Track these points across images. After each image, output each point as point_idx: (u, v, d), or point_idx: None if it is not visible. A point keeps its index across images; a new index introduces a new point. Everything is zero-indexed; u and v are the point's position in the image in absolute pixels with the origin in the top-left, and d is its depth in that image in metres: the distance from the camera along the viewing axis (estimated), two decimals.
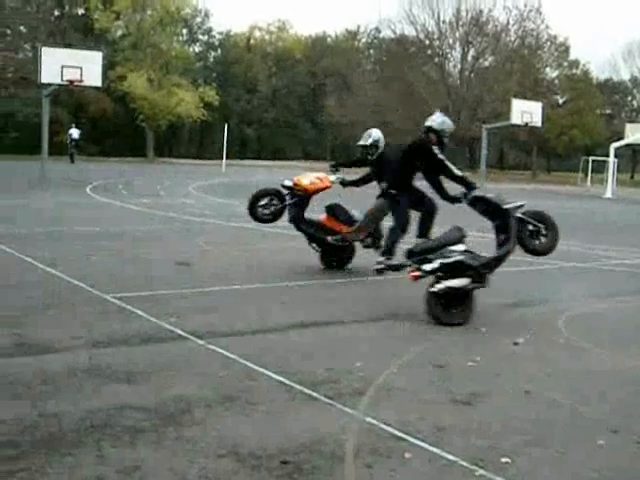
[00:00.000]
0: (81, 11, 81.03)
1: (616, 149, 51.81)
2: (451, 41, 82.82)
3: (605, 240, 19.31)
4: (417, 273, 9.10)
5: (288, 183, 12.55)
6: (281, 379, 6.49)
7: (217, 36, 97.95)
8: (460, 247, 9.22)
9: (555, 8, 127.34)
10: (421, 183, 11.08)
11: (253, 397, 5.99)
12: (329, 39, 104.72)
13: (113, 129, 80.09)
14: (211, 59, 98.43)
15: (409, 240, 11.07)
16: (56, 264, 11.66)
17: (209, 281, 11.00)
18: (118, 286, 10.24)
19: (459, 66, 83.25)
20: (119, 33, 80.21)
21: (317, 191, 12.48)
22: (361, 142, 12.65)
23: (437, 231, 10.62)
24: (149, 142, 77.25)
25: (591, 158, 66.93)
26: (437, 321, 8.92)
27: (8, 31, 70.57)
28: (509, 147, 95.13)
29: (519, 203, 9.87)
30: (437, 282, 8.93)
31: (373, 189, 12.51)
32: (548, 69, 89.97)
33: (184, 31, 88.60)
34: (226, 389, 6.16)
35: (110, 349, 7.23)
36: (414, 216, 11.54)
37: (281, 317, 8.98)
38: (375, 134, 12.61)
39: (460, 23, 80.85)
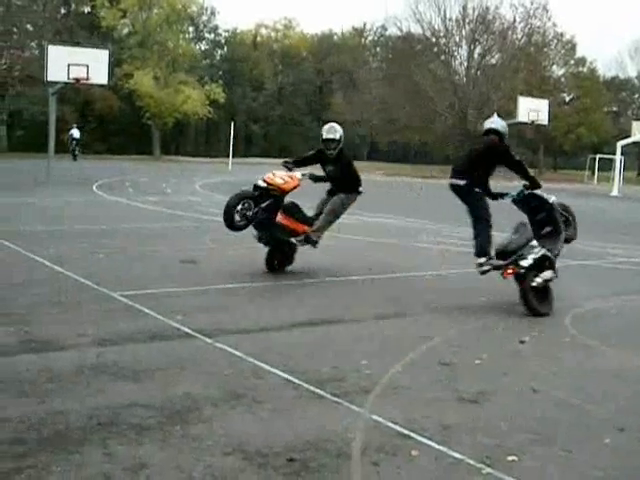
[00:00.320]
0: (87, 9, 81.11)
1: (623, 147, 51.71)
2: (457, 39, 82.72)
3: (611, 238, 19.28)
4: (513, 270, 9.72)
5: (261, 184, 11.51)
6: (287, 377, 6.49)
7: (223, 34, 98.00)
8: (535, 242, 9.93)
9: (562, 5, 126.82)
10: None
11: (259, 395, 6.00)
12: (335, 37, 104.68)
13: (119, 127, 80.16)
14: (217, 57, 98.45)
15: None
16: (62, 262, 11.68)
17: (216, 279, 11.00)
18: (125, 284, 10.25)
19: (465, 64, 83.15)
20: (125, 31, 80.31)
21: (290, 190, 11.60)
22: (330, 135, 11.99)
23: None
24: (155, 140, 77.31)
25: (598, 156, 66.89)
26: (534, 313, 9.54)
27: (15, 29, 70.59)
28: (515, 145, 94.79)
29: (553, 197, 10.63)
30: (535, 276, 9.63)
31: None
32: (555, 67, 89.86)
33: (190, 29, 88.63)
34: (232, 387, 6.16)
35: (117, 347, 7.24)
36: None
37: (288, 315, 8.98)
38: (340, 129, 12.27)
39: (466, 21, 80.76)
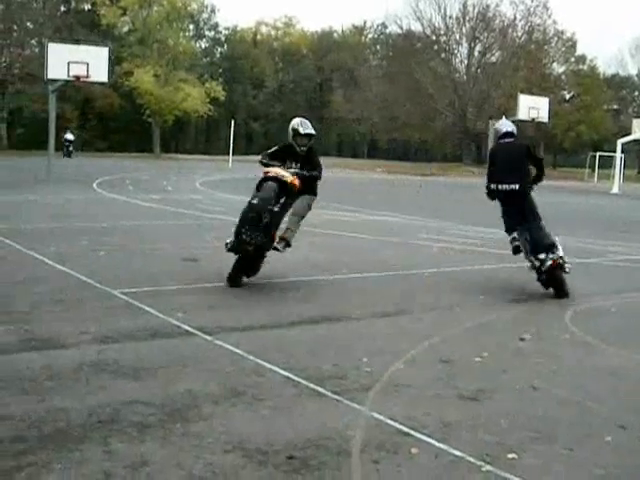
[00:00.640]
0: (87, 7, 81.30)
1: (623, 144, 51.74)
2: (458, 36, 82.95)
3: (612, 236, 19.29)
4: (554, 262, 10.57)
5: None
6: (288, 375, 6.49)
7: (223, 32, 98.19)
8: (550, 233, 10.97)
9: (562, 3, 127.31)
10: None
11: (260, 392, 6.00)
12: (335, 34, 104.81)
13: (120, 125, 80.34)
14: (217, 55, 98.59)
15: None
16: (63, 260, 11.68)
17: (217, 277, 10.99)
18: (126, 282, 10.25)
19: (466, 61, 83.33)
20: (125, 29, 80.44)
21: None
22: (309, 130, 11.01)
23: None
24: (155, 138, 77.41)
25: (598, 154, 66.92)
26: (566, 294, 10.59)
27: (15, 27, 70.72)
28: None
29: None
30: (565, 263, 10.62)
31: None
32: (555, 64, 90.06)
33: (190, 27, 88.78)
34: (233, 384, 6.17)
35: (117, 345, 7.24)
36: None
37: (288, 313, 8.99)
38: (310, 124, 11.28)
39: (467, 18, 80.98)
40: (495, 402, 6.11)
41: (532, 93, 54.39)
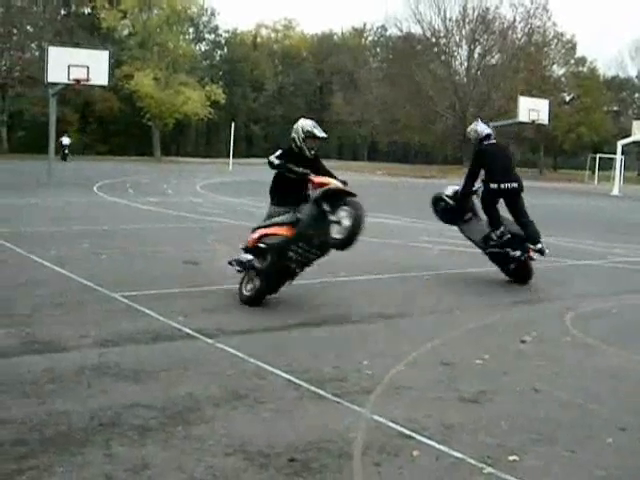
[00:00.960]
0: (87, 10, 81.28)
1: (623, 146, 51.74)
2: (458, 39, 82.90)
3: (612, 238, 19.27)
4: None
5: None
6: (289, 377, 6.50)
7: (223, 34, 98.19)
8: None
9: (562, 5, 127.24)
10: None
11: (261, 395, 6.00)
12: (335, 37, 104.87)
13: (120, 128, 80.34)
14: (217, 57, 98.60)
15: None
16: (64, 263, 11.69)
17: (217, 280, 11.00)
18: (126, 285, 10.26)
19: (466, 64, 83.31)
20: (125, 32, 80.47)
21: None
22: (323, 134, 10.29)
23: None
24: (156, 141, 77.41)
25: (598, 155, 66.96)
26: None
27: (15, 30, 70.72)
28: (516, 145, 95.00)
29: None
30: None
31: None
32: (555, 66, 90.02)
33: (190, 30, 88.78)
34: (234, 387, 6.17)
35: (118, 348, 7.25)
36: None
37: (289, 315, 9.00)
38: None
39: (466, 21, 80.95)
40: (496, 404, 6.11)
41: (532, 95, 54.39)
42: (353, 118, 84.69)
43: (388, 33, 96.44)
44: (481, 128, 12.36)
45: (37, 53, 67.98)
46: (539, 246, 11.53)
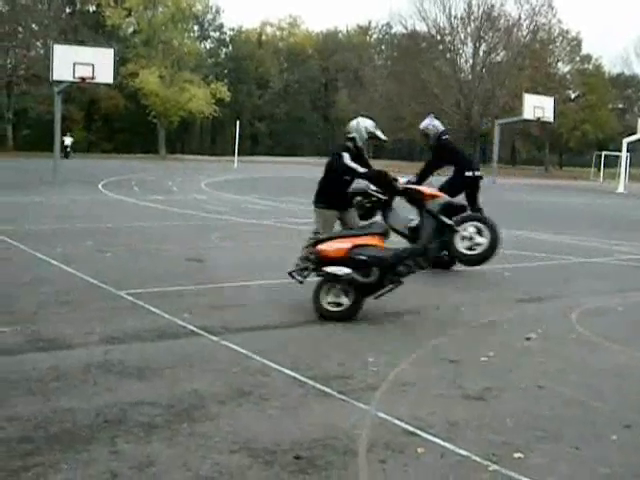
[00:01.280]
0: (92, 8, 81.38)
1: (629, 144, 51.64)
2: (463, 36, 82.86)
3: (617, 235, 19.25)
4: None
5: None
6: (294, 375, 6.50)
7: (228, 32, 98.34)
8: None
9: (567, 2, 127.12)
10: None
11: (266, 393, 6.00)
12: (340, 34, 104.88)
13: (125, 126, 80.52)
14: (222, 55, 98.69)
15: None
16: (69, 261, 11.70)
17: (223, 277, 11.01)
18: (131, 282, 10.27)
19: (471, 61, 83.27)
20: (130, 30, 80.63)
21: None
22: (384, 137, 10.31)
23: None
24: (161, 138, 77.50)
25: (603, 153, 66.81)
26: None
27: (20, 29, 70.86)
28: (521, 142, 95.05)
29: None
30: None
31: None
32: (560, 64, 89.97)
33: (195, 28, 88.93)
34: (239, 385, 6.17)
35: (124, 345, 7.25)
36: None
37: (294, 313, 8.99)
38: None
39: (472, 18, 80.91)
40: (501, 401, 6.10)
41: (537, 92, 54.34)
42: (358, 116, 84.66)
43: (393, 31, 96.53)
44: (437, 123, 12.67)
45: (42, 51, 68.16)
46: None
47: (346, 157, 9.52)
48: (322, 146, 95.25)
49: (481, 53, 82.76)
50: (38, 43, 72.53)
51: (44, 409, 5.45)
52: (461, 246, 9.29)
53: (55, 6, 74.11)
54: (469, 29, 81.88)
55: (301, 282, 9.46)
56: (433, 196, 9.24)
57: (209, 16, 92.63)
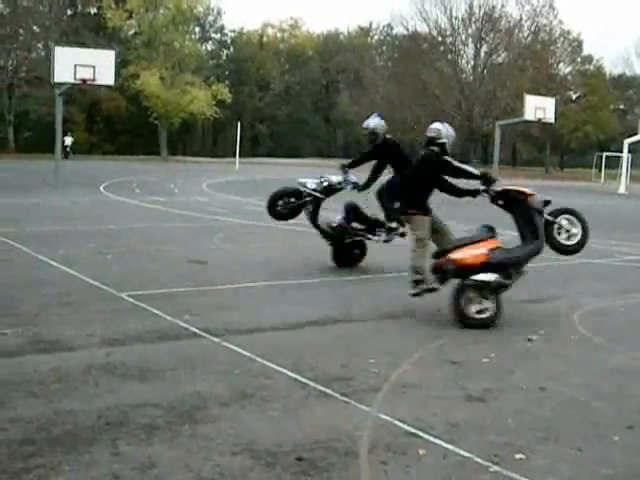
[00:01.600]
0: (93, 10, 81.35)
1: (630, 144, 51.56)
2: (464, 37, 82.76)
3: (619, 236, 19.23)
4: None
5: None
6: (296, 376, 6.50)
7: (229, 34, 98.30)
8: None
9: (568, 3, 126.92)
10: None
11: (268, 394, 6.01)
12: (341, 36, 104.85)
13: (126, 127, 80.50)
14: (224, 57, 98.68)
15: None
16: (71, 263, 11.71)
17: (224, 279, 11.02)
18: (133, 284, 10.28)
19: (472, 62, 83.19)
20: (132, 31, 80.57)
21: None
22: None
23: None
24: (162, 140, 77.44)
25: (605, 154, 66.71)
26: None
27: (21, 31, 70.87)
28: (522, 143, 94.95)
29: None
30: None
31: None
32: (561, 65, 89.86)
33: (197, 29, 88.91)
34: (241, 386, 6.18)
35: (125, 347, 7.26)
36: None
37: (296, 314, 8.99)
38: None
39: (473, 19, 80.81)
40: (502, 403, 6.11)
41: (538, 93, 54.21)
42: (359, 117, 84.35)
43: (394, 32, 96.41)
44: (383, 122, 12.46)
45: (43, 53, 68.17)
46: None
47: (455, 162, 10.10)
48: (323, 147, 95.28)
49: (482, 54, 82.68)
50: (39, 45, 72.55)
51: (46, 411, 5.46)
52: (560, 238, 9.61)
53: (56, 8, 74.07)
54: (470, 30, 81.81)
55: (435, 289, 9.43)
56: (531, 195, 9.32)
57: (210, 18, 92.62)
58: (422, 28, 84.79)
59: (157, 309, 8.82)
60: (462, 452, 5.02)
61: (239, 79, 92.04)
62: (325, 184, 12.28)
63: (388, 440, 5.19)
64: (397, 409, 5.78)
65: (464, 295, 8.74)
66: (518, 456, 5.00)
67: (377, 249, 12.80)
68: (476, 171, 9.93)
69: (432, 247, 9.61)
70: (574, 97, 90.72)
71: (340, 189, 12.46)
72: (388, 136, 12.44)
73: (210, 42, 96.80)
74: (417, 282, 9.49)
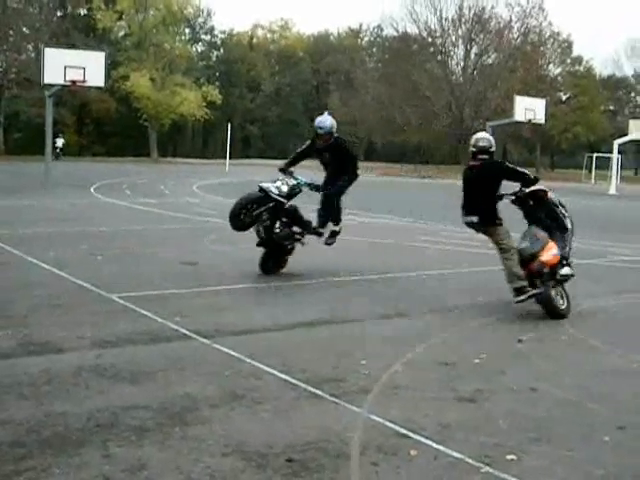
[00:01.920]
0: (83, 11, 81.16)
1: (620, 145, 51.76)
2: (454, 38, 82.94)
3: (609, 237, 19.30)
4: None
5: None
6: (286, 378, 6.49)
7: (220, 35, 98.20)
8: None
9: (558, 4, 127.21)
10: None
11: (258, 396, 6.00)
12: (332, 37, 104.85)
13: (116, 129, 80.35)
14: (214, 58, 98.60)
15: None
16: (62, 265, 11.68)
17: (215, 280, 11.00)
18: (124, 286, 10.25)
19: (462, 63, 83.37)
20: (122, 33, 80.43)
21: None
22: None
23: None
24: (152, 142, 77.33)
25: (595, 155, 66.91)
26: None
27: (11, 32, 70.65)
28: (513, 144, 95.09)
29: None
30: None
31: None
32: (551, 66, 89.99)
33: (187, 30, 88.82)
34: (231, 388, 6.17)
35: (115, 349, 7.24)
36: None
37: (287, 316, 8.98)
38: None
39: (463, 20, 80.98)
40: (494, 403, 6.11)
41: (528, 94, 54.34)
42: (350, 118, 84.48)
43: (384, 33, 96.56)
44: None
45: (33, 54, 68.00)
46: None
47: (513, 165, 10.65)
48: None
49: (472, 55, 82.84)
50: (29, 46, 72.35)
51: (36, 413, 5.44)
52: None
53: (46, 9, 73.86)
54: (460, 31, 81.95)
55: (540, 293, 9.54)
56: (548, 191, 10.24)
57: (200, 19, 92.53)
58: (412, 29, 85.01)
59: (148, 311, 8.80)
60: (453, 453, 5.02)
61: (229, 80, 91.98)
62: (285, 188, 11.53)
63: (379, 441, 5.18)
64: (388, 410, 5.78)
65: (555, 291, 9.57)
66: (509, 457, 5.00)
67: (368, 251, 12.80)
68: (531, 174, 10.43)
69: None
70: (564, 98, 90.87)
71: (299, 192, 11.83)
72: (336, 134, 12.00)
73: (200, 43, 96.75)
74: (519, 289, 9.52)
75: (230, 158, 59.43)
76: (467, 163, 10.62)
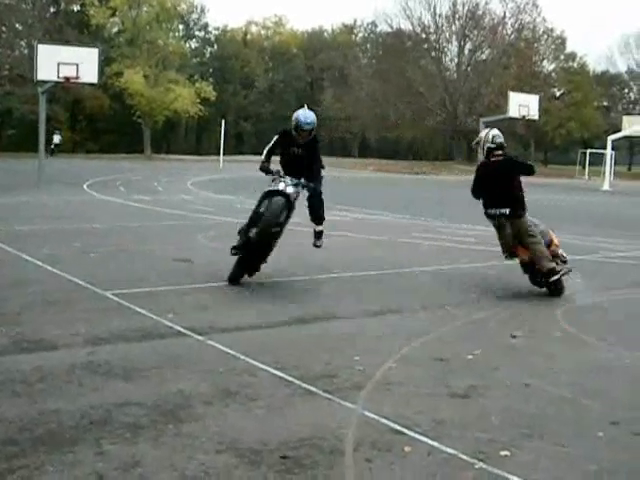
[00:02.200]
0: (77, 7, 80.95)
1: (613, 141, 51.84)
2: (448, 35, 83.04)
3: (603, 232, 19.31)
4: None
5: None
6: (280, 374, 6.49)
7: (213, 32, 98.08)
8: None
9: (551, 1, 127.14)
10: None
11: (252, 393, 5.99)
12: (325, 33, 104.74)
13: (110, 126, 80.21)
14: (207, 55, 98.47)
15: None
16: (55, 262, 11.65)
17: (209, 277, 10.99)
18: (117, 283, 10.23)
19: (456, 60, 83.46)
20: (115, 29, 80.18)
21: None
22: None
23: None
24: (146, 138, 77.18)
25: (588, 151, 67.02)
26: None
27: (3, 28, 70.53)
28: (506, 140, 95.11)
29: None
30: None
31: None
32: (545, 62, 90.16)
33: (180, 27, 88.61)
34: (225, 385, 6.16)
35: (109, 346, 7.23)
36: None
37: (280, 312, 8.98)
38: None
39: (456, 16, 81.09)
40: (487, 399, 6.11)
41: (522, 90, 54.45)
42: (343, 114, 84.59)
43: (378, 29, 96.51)
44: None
45: (26, 51, 67.83)
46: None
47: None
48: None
49: (466, 51, 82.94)
50: (22, 43, 72.14)
51: (29, 411, 5.43)
52: None
53: (39, 6, 73.65)
54: (454, 27, 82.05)
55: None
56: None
57: (194, 15, 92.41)
58: (406, 26, 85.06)
59: (142, 308, 8.79)
60: (447, 449, 5.02)
61: (223, 77, 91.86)
62: (291, 189, 10.70)
63: (373, 438, 5.18)
64: (382, 406, 5.78)
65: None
66: (503, 453, 5.00)
67: (362, 247, 12.80)
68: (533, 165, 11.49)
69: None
70: (558, 94, 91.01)
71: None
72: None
73: (194, 40, 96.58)
74: (552, 270, 10.28)
75: (224, 154, 59.37)
76: (483, 160, 11.13)
